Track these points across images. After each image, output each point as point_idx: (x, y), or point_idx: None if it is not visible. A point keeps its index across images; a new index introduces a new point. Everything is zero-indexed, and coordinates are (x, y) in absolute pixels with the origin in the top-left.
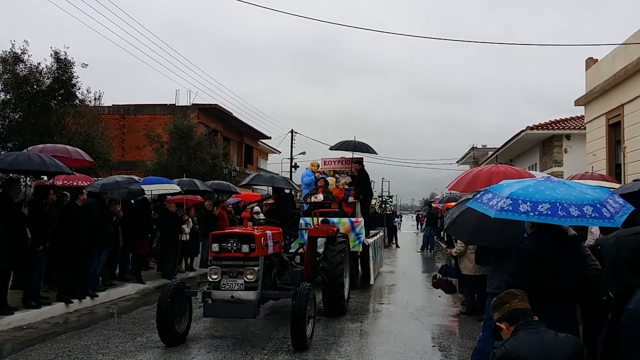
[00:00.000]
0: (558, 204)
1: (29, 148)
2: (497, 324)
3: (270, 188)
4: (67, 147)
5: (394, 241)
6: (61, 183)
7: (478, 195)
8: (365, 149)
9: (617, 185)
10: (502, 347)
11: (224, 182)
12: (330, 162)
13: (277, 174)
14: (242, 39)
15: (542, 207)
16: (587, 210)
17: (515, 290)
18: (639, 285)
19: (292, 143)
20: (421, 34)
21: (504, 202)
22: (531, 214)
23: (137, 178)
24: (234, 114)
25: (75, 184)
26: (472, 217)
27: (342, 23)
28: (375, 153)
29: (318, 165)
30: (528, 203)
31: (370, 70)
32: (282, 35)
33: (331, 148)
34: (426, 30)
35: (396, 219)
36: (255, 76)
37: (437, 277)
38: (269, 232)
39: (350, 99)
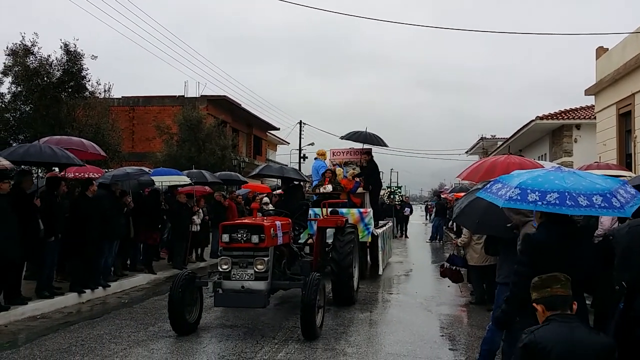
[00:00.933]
0: (567, 194)
1: (43, 140)
2: (534, 304)
3: (279, 180)
4: (83, 140)
5: (402, 231)
6: (72, 175)
7: (488, 185)
8: (376, 141)
9: (625, 173)
10: (531, 334)
11: (232, 172)
12: (338, 153)
13: (286, 165)
14: (247, 32)
15: (550, 197)
16: (596, 200)
17: (560, 274)
18: None
19: (300, 134)
20: (429, 24)
21: (513, 192)
22: (539, 203)
23: (147, 169)
24: (243, 106)
25: (86, 175)
26: (480, 207)
27: (349, 13)
28: (386, 146)
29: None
30: (537, 192)
31: (377, 62)
32: (288, 28)
33: (342, 137)
34: (434, 21)
35: (406, 209)
36: (261, 68)
37: (445, 266)
38: (278, 223)
39: (358, 90)
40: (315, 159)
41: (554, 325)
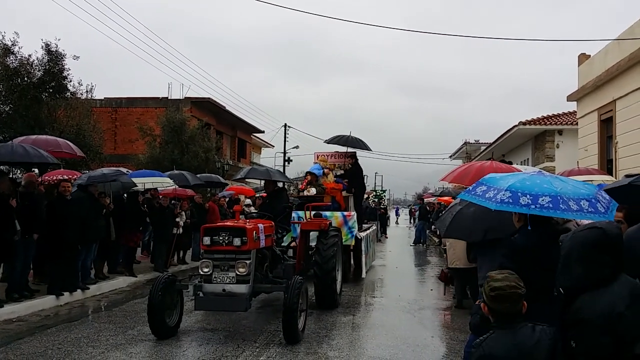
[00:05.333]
0: (559, 197)
1: (18, 140)
2: (482, 304)
3: (262, 182)
4: (70, 143)
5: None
6: (41, 179)
7: (471, 188)
8: (359, 144)
9: (606, 178)
10: (479, 347)
11: (213, 175)
12: (323, 156)
13: (272, 168)
14: (223, 34)
15: (543, 200)
16: (584, 204)
17: (513, 291)
18: (594, 279)
19: (285, 137)
20: (407, 29)
21: (504, 195)
22: (532, 206)
23: (125, 170)
24: (227, 108)
25: (57, 177)
26: (467, 216)
27: (328, 15)
28: (370, 149)
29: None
30: (528, 196)
31: (356, 67)
32: (264, 30)
33: (326, 141)
34: (410, 27)
35: (388, 214)
36: (238, 71)
37: (443, 271)
38: (261, 226)
39: (338, 94)
40: (315, 162)
41: (499, 334)
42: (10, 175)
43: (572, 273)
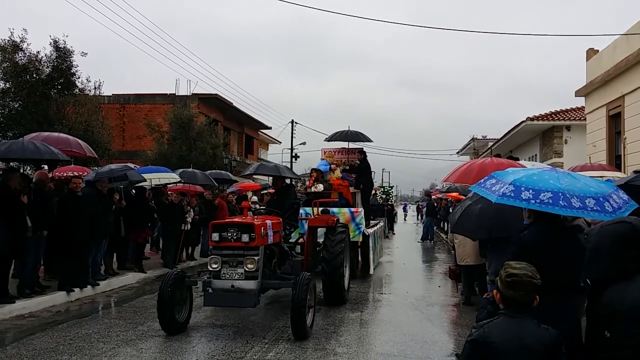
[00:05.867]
0: (560, 194)
1: (29, 136)
2: (495, 290)
3: (270, 178)
4: (80, 142)
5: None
6: (52, 175)
7: (482, 180)
8: (358, 138)
9: (619, 174)
10: (480, 328)
11: (222, 171)
12: (330, 152)
13: (280, 164)
14: (224, 31)
15: (543, 196)
16: (589, 202)
17: (528, 280)
18: (619, 272)
19: (292, 133)
20: (411, 24)
21: (507, 188)
22: (532, 201)
23: (132, 165)
24: (234, 104)
25: (67, 174)
26: (473, 213)
27: (333, 11)
28: (371, 141)
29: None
30: (530, 191)
31: (358, 62)
32: (267, 27)
33: (327, 139)
34: (411, 22)
35: (395, 211)
36: (241, 68)
37: (451, 268)
38: (269, 222)
39: (341, 90)
40: (322, 159)
41: (503, 320)
42: (21, 171)
43: (600, 266)
